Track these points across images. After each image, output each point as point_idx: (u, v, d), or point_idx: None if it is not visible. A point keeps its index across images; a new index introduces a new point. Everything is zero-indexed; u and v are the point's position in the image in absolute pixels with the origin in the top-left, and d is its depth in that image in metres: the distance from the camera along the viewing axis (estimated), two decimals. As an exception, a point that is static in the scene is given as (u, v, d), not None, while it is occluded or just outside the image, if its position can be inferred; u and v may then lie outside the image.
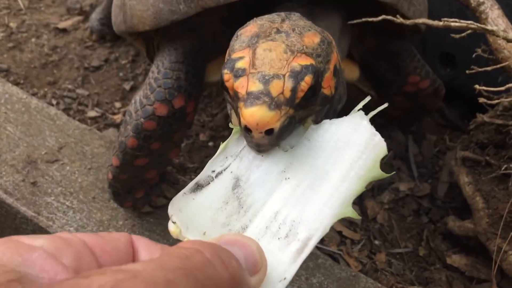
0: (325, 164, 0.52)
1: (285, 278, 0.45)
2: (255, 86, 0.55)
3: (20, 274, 0.32)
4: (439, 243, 1.07)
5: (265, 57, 0.57)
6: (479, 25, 0.79)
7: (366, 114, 0.56)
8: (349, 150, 0.52)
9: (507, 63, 0.81)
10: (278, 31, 0.61)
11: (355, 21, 0.85)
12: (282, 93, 0.55)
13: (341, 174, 0.50)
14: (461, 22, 0.79)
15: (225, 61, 0.63)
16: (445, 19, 0.81)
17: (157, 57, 0.94)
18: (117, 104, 1.33)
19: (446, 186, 1.15)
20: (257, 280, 0.41)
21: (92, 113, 1.29)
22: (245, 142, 0.55)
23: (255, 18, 0.67)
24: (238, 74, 0.57)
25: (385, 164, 1.21)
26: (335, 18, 0.93)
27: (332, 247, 1.02)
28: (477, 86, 0.82)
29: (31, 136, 1.14)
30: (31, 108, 1.21)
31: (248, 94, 0.55)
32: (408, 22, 0.84)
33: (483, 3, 0.87)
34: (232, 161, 0.53)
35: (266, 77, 0.55)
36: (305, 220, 0.48)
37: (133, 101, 0.89)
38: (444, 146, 1.24)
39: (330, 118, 0.67)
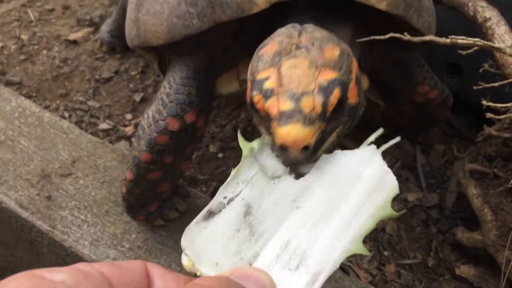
0: (336, 197, 0.52)
1: None
2: (287, 105, 0.57)
3: None
4: (448, 253, 1.08)
5: (292, 75, 0.59)
6: (485, 42, 0.80)
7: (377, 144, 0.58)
8: (361, 185, 0.52)
9: (514, 79, 0.82)
10: (298, 47, 0.63)
11: (363, 39, 0.86)
12: (314, 109, 0.57)
13: (353, 209, 0.51)
14: (467, 40, 0.81)
15: (250, 83, 0.65)
16: (452, 36, 0.82)
17: (168, 73, 0.96)
18: (128, 116, 1.35)
19: (455, 196, 1.16)
20: None
21: (103, 126, 1.31)
22: (257, 168, 0.56)
23: (271, 35, 0.69)
24: (267, 94, 0.59)
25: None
26: (346, 30, 0.94)
27: (342, 258, 1.03)
28: (484, 102, 0.83)
29: (45, 150, 1.16)
30: (44, 122, 1.23)
31: (281, 113, 0.57)
32: (415, 39, 0.86)
33: (489, 19, 0.88)
34: (244, 187, 0.54)
35: (296, 95, 0.57)
36: (315, 252, 0.49)
37: (145, 115, 0.91)
38: (452, 156, 1.25)
39: (355, 124, 0.70)
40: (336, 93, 0.58)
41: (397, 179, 1.19)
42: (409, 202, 1.16)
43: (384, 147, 0.59)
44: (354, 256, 1.05)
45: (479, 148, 0.99)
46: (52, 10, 1.71)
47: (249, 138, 0.60)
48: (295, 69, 0.60)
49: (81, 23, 1.65)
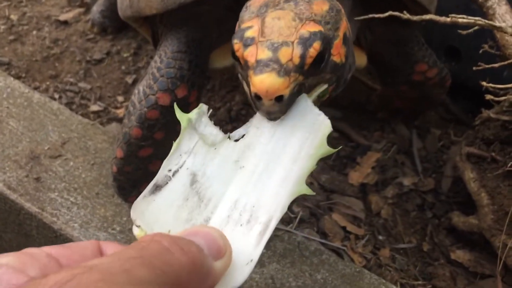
0: (275, 148, 0.54)
1: (251, 260, 0.47)
2: (264, 54, 0.56)
3: None
4: (443, 238, 1.07)
5: (274, 26, 0.59)
6: (486, 21, 0.78)
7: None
8: (297, 132, 0.54)
9: (515, 59, 0.80)
10: (287, 0, 0.62)
11: (361, 17, 0.84)
12: (291, 59, 0.56)
13: (292, 156, 0.52)
14: (468, 19, 0.79)
15: (235, 32, 0.63)
16: (453, 15, 0.80)
17: (160, 47, 0.94)
18: (120, 98, 1.32)
19: (450, 180, 1.15)
20: (223, 265, 0.42)
21: (94, 107, 1.29)
22: (197, 137, 0.56)
23: None
24: (247, 43, 0.58)
25: (388, 158, 1.20)
26: (345, 3, 0.92)
27: (336, 242, 1.02)
28: (484, 83, 0.81)
29: (34, 131, 1.14)
30: (33, 103, 1.20)
31: (258, 62, 0.56)
32: (415, 18, 0.84)
33: (490, -2, 0.86)
34: (187, 158, 0.55)
35: (275, 45, 0.57)
36: (263, 203, 0.50)
37: (136, 91, 0.90)
38: (449, 141, 1.24)
39: (341, 88, 0.69)
40: (316, 46, 0.57)
41: (393, 163, 1.19)
42: (405, 187, 1.14)
43: (315, 93, 0.61)
44: (349, 240, 1.04)
45: (477, 131, 0.98)
46: (42, -11, 1.67)
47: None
48: (279, 20, 0.59)
49: (72, 3, 1.62)
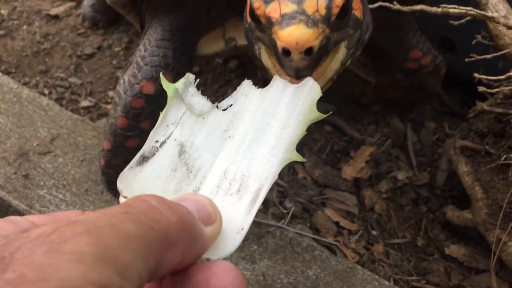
0: (264, 115, 0.53)
1: (242, 229, 0.45)
2: (289, 7, 0.55)
3: None
4: (437, 232, 1.05)
5: None
6: (478, 11, 0.76)
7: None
8: (285, 98, 0.53)
9: (507, 50, 0.79)
10: None
11: None
12: (317, 10, 0.55)
13: (281, 122, 0.51)
14: (460, 9, 0.77)
15: None
16: (444, 5, 0.78)
17: (144, 35, 0.92)
18: (111, 93, 1.30)
19: (445, 174, 1.14)
20: (213, 231, 0.41)
21: (85, 103, 1.27)
22: (184, 108, 0.54)
23: None
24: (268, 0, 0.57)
25: (382, 152, 1.19)
26: None
27: (329, 238, 1.01)
28: (476, 75, 0.79)
29: (23, 128, 1.12)
30: (22, 98, 1.18)
31: (283, 16, 0.55)
32: (405, 9, 0.82)
33: (483, -12, 0.84)
34: (174, 128, 0.53)
35: None
36: (254, 172, 0.49)
37: (121, 81, 0.89)
38: (443, 134, 1.22)
39: (359, 50, 0.68)
40: None
41: (387, 157, 1.17)
42: (399, 181, 1.13)
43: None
44: (342, 235, 1.03)
45: (471, 124, 0.96)
46: (33, -16, 1.65)
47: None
48: None
49: (63, -2, 1.60)
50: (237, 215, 0.47)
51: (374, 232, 1.04)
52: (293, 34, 0.53)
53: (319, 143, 1.20)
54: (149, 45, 0.88)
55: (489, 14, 0.75)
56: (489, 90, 0.81)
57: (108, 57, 1.41)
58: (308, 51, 0.53)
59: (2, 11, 1.54)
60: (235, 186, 0.49)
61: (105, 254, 0.30)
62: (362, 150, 1.17)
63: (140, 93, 0.84)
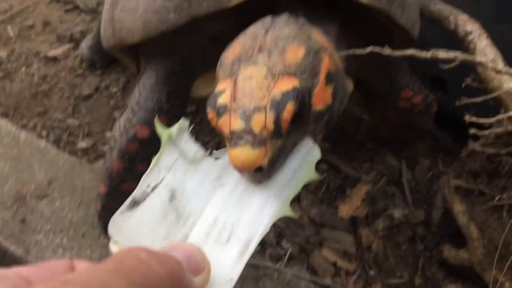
0: None
1: (231, 279, 0.46)
2: (237, 124, 0.53)
3: None
4: (435, 271, 1.05)
5: (245, 88, 0.55)
6: (467, 56, 0.79)
7: None
8: None
9: (497, 93, 0.81)
10: (261, 49, 0.59)
11: (344, 53, 0.84)
12: (265, 127, 0.52)
13: (278, 178, 0.52)
14: (448, 54, 0.79)
15: (209, 97, 0.61)
16: (433, 50, 0.80)
17: (139, 80, 0.94)
18: (108, 134, 1.32)
19: (441, 212, 1.14)
20: (202, 280, 0.41)
21: (82, 144, 1.28)
22: (177, 154, 0.54)
23: (240, 34, 0.65)
24: (220, 111, 0.55)
25: (378, 190, 1.20)
26: (331, 29, 0.92)
27: (327, 279, 1.00)
28: (467, 118, 0.81)
29: (20, 171, 1.13)
30: (20, 142, 1.19)
31: (232, 133, 0.53)
32: (396, 53, 0.84)
33: (471, 32, 0.87)
34: (166, 174, 0.53)
35: (247, 113, 0.53)
36: (244, 222, 0.49)
37: (117, 125, 0.90)
38: (438, 171, 1.24)
39: (331, 125, 0.66)
40: (289, 108, 0.53)
41: (383, 194, 1.18)
42: (395, 219, 1.13)
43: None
44: (339, 276, 1.02)
45: (464, 163, 0.97)
46: (32, 26, 1.68)
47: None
48: (250, 81, 0.55)
49: (61, 39, 1.63)
50: (226, 265, 0.47)
51: (371, 272, 1.04)
52: (240, 157, 0.51)
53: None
54: (143, 90, 0.89)
55: (478, 59, 0.77)
56: (480, 133, 0.82)
57: (106, 98, 1.43)
58: (258, 168, 0.51)
59: (1, 53, 1.57)
60: (225, 235, 0.49)
61: None
62: (357, 188, 1.18)
63: (134, 137, 0.85)
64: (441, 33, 1.14)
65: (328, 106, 0.61)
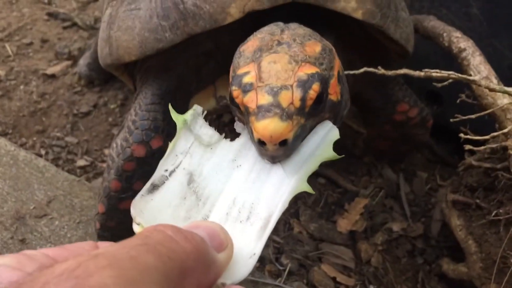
0: None
1: (254, 254, 0.47)
2: (265, 99, 0.56)
3: None
4: (434, 284, 1.06)
5: (271, 70, 0.59)
6: (460, 75, 0.79)
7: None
8: None
9: (491, 110, 0.81)
10: (279, 43, 0.62)
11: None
12: (292, 103, 0.56)
13: (296, 156, 0.54)
14: (442, 73, 0.80)
15: (230, 78, 0.64)
16: (426, 70, 0.81)
17: (135, 99, 0.95)
18: (106, 151, 1.32)
19: (440, 224, 1.14)
20: (225, 257, 0.42)
21: (81, 162, 1.28)
22: (193, 138, 0.56)
23: (254, 33, 0.68)
24: (246, 89, 0.58)
25: (376, 203, 1.20)
26: (328, 40, 0.93)
27: (326, 295, 1.01)
28: (462, 135, 0.82)
29: (20, 191, 1.13)
30: (19, 161, 1.20)
31: (259, 107, 0.56)
32: (390, 73, 0.85)
33: (464, 49, 0.88)
34: (183, 158, 0.55)
35: (274, 89, 0.57)
36: (263, 200, 0.51)
37: (114, 144, 0.91)
38: (436, 183, 1.24)
39: (338, 125, 0.69)
40: (315, 88, 0.57)
41: (381, 208, 1.18)
42: (394, 233, 1.14)
43: None
44: (339, 291, 1.03)
45: (461, 178, 0.98)
46: (30, 44, 1.69)
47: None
48: (275, 64, 0.59)
49: (59, 57, 1.63)
50: (248, 241, 0.48)
51: (371, 287, 1.04)
52: (268, 128, 0.54)
53: (313, 196, 1.21)
54: (139, 110, 0.91)
55: (471, 78, 0.78)
56: (476, 148, 0.83)
57: (104, 115, 1.44)
58: (283, 142, 0.54)
59: (0, 71, 1.57)
60: (244, 214, 0.51)
61: (128, 287, 0.30)
62: (356, 202, 1.19)
63: (131, 157, 0.87)
64: (435, 48, 1.16)
65: (338, 100, 0.65)
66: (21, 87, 1.52)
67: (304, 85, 0.57)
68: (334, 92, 0.63)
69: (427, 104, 1.25)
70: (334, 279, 1.04)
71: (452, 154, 1.29)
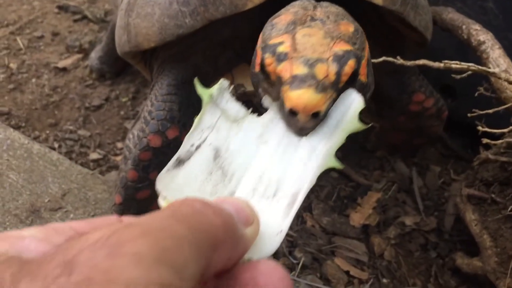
0: None
1: (281, 231, 0.46)
2: (300, 69, 0.56)
3: (8, 255, 0.32)
4: (448, 279, 1.05)
5: (306, 42, 0.59)
6: (479, 67, 0.79)
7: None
8: None
9: (510, 104, 0.81)
10: (313, 19, 0.62)
11: None
12: (327, 76, 0.56)
13: (321, 129, 0.53)
14: (461, 64, 0.79)
15: (260, 50, 0.64)
16: (446, 61, 0.81)
17: (151, 90, 0.96)
18: (119, 145, 1.33)
19: (453, 218, 1.14)
20: (252, 232, 0.41)
21: (94, 155, 1.29)
22: (219, 113, 0.55)
23: (286, 7, 0.68)
24: (280, 58, 0.58)
25: (389, 197, 1.20)
26: None
27: (340, 288, 1.01)
28: (480, 128, 0.81)
29: (34, 184, 1.14)
30: (33, 154, 1.21)
31: (294, 77, 0.56)
32: (409, 63, 0.85)
33: (484, 42, 0.87)
34: (209, 133, 0.54)
35: (310, 61, 0.57)
36: (290, 176, 0.50)
37: (130, 135, 0.91)
38: (449, 177, 1.24)
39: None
40: (351, 64, 0.58)
41: (394, 202, 1.18)
42: (407, 226, 1.14)
43: None
44: (352, 284, 1.03)
45: (476, 172, 0.98)
46: (41, 37, 1.69)
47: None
48: (310, 37, 0.59)
49: (70, 50, 1.64)
50: (274, 218, 0.47)
51: (384, 280, 1.04)
52: (302, 98, 0.54)
53: (326, 189, 1.21)
54: (155, 100, 0.91)
55: (491, 70, 0.77)
56: (493, 142, 0.82)
57: (116, 108, 1.44)
58: (315, 114, 0.54)
59: (11, 65, 1.58)
60: (271, 190, 0.50)
61: (163, 255, 0.30)
62: (369, 196, 1.19)
63: (147, 146, 0.88)
64: (450, 43, 1.15)
65: (366, 82, 0.65)
66: (33, 80, 1.53)
67: (340, 60, 0.57)
68: (364, 73, 0.64)
69: (441, 97, 1.25)
70: (347, 272, 1.04)
71: (466, 148, 1.29)
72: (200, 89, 0.56)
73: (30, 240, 0.34)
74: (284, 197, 0.49)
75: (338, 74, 0.57)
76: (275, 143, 0.53)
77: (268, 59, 0.59)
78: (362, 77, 0.63)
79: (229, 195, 0.50)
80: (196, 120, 0.55)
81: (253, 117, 0.55)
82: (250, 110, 0.55)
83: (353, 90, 0.56)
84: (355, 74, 0.59)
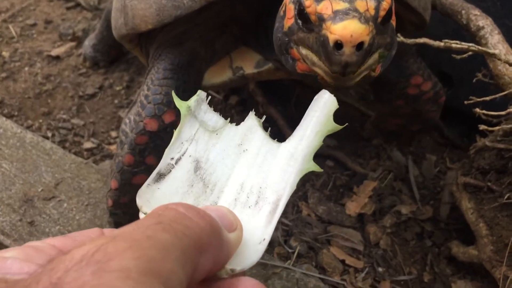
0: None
1: (264, 239, 0.46)
2: (340, 5, 0.61)
3: None
4: (443, 267, 1.05)
5: None
6: (480, 47, 0.78)
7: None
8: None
9: (509, 91, 0.80)
10: None
11: None
12: (368, 10, 0.61)
13: (297, 134, 0.53)
14: (462, 44, 0.78)
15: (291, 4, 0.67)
16: (446, 40, 0.80)
17: (147, 74, 0.95)
18: (113, 134, 1.31)
19: (449, 207, 1.14)
20: (236, 237, 0.42)
21: (88, 144, 1.28)
22: (198, 125, 0.54)
23: None
24: None
25: (385, 186, 1.19)
26: None
27: (336, 277, 1.00)
28: (477, 110, 0.81)
29: (27, 173, 1.13)
30: (26, 143, 1.19)
31: (335, 12, 0.60)
32: (409, 41, 0.84)
33: (483, 27, 0.86)
34: (189, 145, 0.54)
35: None
36: (271, 183, 0.50)
37: (126, 120, 0.91)
38: (445, 166, 1.23)
39: (386, 64, 0.73)
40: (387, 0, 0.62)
41: (390, 191, 1.18)
42: (403, 215, 1.13)
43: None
44: (348, 273, 1.02)
45: (472, 160, 0.97)
46: (34, 25, 1.67)
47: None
48: None
49: (63, 38, 1.62)
50: (257, 226, 0.48)
51: (380, 269, 1.04)
52: (348, 27, 0.58)
53: (322, 178, 1.20)
54: (152, 84, 0.90)
55: (491, 50, 0.76)
56: (490, 128, 0.82)
57: (110, 97, 1.43)
58: (359, 46, 0.57)
59: (4, 53, 1.56)
60: (253, 199, 0.50)
61: (149, 267, 0.30)
62: (365, 184, 1.18)
63: (144, 130, 0.87)
64: (446, 29, 1.14)
65: (394, 29, 0.69)
66: (26, 68, 1.51)
67: None
68: (394, 19, 0.68)
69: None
70: (343, 261, 1.04)
71: (461, 136, 1.28)
72: (177, 102, 0.56)
73: (12, 261, 0.34)
74: (266, 205, 0.49)
75: (377, 9, 0.61)
76: (254, 151, 0.53)
77: (308, 1, 0.63)
78: (393, 22, 0.68)
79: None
80: (175, 133, 0.55)
81: (232, 126, 0.55)
82: (228, 119, 0.55)
83: (326, 91, 0.56)
84: (390, 13, 0.63)
